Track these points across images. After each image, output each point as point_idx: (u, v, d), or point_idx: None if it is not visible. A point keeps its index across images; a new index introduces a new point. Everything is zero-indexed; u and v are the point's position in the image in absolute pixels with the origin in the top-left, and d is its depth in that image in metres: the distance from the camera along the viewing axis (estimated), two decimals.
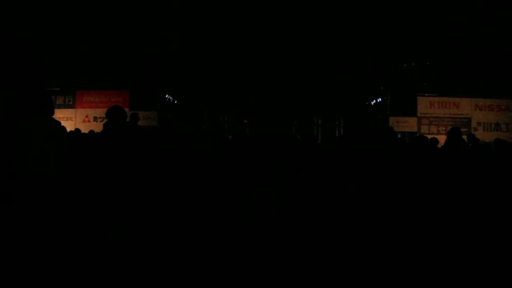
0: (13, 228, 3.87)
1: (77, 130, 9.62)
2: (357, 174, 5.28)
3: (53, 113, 4.27)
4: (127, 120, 5.66)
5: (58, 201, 4.03)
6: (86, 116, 14.54)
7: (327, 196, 5.21)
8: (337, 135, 17.74)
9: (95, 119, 14.31)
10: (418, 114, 14.38)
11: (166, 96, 15.28)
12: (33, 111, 4.10)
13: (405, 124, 14.19)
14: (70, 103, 14.75)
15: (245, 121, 21.63)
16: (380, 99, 15.32)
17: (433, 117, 14.42)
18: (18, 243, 3.79)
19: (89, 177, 5.25)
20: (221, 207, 5.12)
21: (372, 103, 15.96)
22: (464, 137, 7.11)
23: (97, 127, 11.57)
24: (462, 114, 14.43)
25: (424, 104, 14.45)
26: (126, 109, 14.45)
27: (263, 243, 4.49)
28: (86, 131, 9.36)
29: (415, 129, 14.07)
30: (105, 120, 5.33)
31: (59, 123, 4.33)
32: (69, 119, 14.21)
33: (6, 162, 4.09)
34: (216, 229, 4.86)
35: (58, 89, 14.47)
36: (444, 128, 13.97)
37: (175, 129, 7.05)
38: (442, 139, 8.43)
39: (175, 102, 15.98)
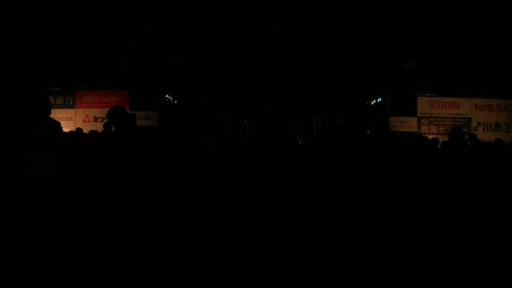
0: (12, 230, 3.87)
1: (79, 129, 9.59)
2: (351, 175, 5.29)
3: (49, 113, 4.24)
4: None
5: (57, 202, 4.03)
6: (86, 116, 14.54)
7: (323, 196, 5.22)
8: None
9: (95, 119, 14.31)
10: (418, 114, 14.38)
11: (166, 96, 15.28)
12: (31, 111, 4.09)
13: (405, 124, 14.19)
14: (70, 103, 14.74)
15: (245, 121, 21.60)
16: (380, 99, 15.31)
17: (433, 117, 14.42)
18: (18, 245, 3.79)
19: (89, 178, 5.26)
20: (219, 207, 5.13)
21: (372, 103, 15.95)
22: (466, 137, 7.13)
23: (97, 127, 11.56)
24: (462, 114, 14.43)
25: (424, 104, 14.45)
26: (126, 109, 14.44)
27: (261, 243, 4.49)
28: (86, 131, 9.33)
29: (415, 129, 14.07)
30: (105, 120, 5.31)
31: (59, 123, 4.31)
32: (69, 119, 14.21)
33: (5, 163, 4.08)
34: (215, 229, 4.86)
35: (58, 89, 14.47)
36: (444, 128, 13.97)
37: (175, 129, 7.04)
38: (442, 139, 8.43)
39: (175, 102, 15.97)
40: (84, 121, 14.29)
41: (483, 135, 12.88)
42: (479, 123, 14.35)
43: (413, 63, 14.63)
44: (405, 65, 14.65)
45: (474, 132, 11.92)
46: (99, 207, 4.58)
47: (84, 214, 4.87)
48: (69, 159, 4.47)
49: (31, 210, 3.83)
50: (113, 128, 5.07)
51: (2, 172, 4.21)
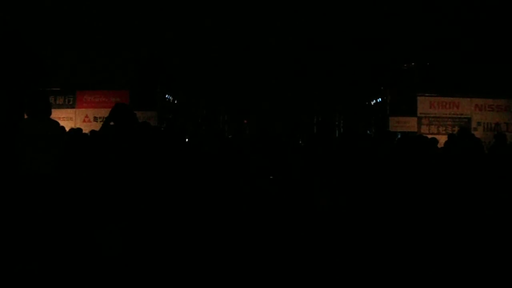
0: (9, 226, 3.88)
1: (79, 129, 9.58)
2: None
3: (50, 114, 4.30)
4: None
5: (55, 200, 4.04)
6: (86, 116, 14.54)
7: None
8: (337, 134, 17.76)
9: (95, 119, 14.32)
10: (418, 114, 14.37)
11: (166, 96, 15.29)
12: (32, 114, 4.15)
13: (405, 124, 14.18)
14: (70, 103, 14.76)
15: (245, 121, 21.63)
16: (380, 99, 15.32)
17: (433, 117, 14.41)
18: (15, 242, 3.79)
19: (88, 177, 5.25)
20: (219, 206, 5.13)
21: (372, 103, 15.96)
22: None
23: (97, 127, 11.55)
24: (462, 114, 14.42)
25: (424, 104, 14.44)
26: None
27: (260, 241, 4.49)
28: (86, 131, 9.33)
29: (415, 129, 14.06)
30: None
31: (57, 123, 4.35)
32: (69, 119, 14.21)
33: (5, 162, 4.10)
34: (215, 228, 4.86)
35: (58, 89, 14.49)
36: (444, 128, 13.97)
37: (176, 129, 7.05)
38: (442, 139, 8.44)
39: (175, 102, 15.98)
40: (84, 121, 14.29)
41: (483, 135, 12.89)
42: (479, 123, 14.35)
43: (413, 63, 14.63)
44: (405, 65, 14.65)
45: (474, 132, 11.94)
46: (98, 206, 4.58)
47: (82, 212, 4.87)
48: (68, 157, 4.48)
49: (24, 207, 3.85)
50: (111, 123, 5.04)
51: (1, 169, 4.24)
